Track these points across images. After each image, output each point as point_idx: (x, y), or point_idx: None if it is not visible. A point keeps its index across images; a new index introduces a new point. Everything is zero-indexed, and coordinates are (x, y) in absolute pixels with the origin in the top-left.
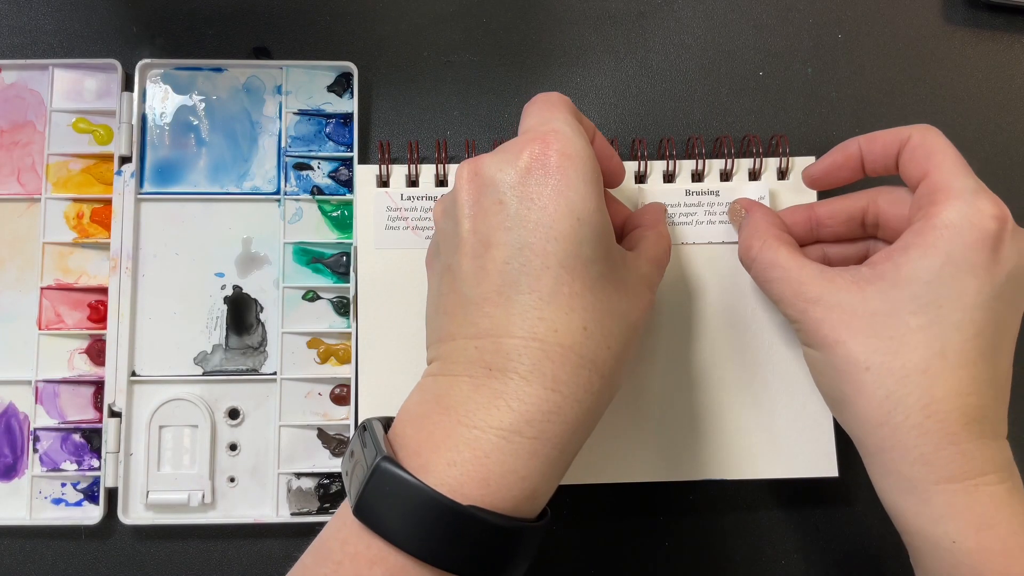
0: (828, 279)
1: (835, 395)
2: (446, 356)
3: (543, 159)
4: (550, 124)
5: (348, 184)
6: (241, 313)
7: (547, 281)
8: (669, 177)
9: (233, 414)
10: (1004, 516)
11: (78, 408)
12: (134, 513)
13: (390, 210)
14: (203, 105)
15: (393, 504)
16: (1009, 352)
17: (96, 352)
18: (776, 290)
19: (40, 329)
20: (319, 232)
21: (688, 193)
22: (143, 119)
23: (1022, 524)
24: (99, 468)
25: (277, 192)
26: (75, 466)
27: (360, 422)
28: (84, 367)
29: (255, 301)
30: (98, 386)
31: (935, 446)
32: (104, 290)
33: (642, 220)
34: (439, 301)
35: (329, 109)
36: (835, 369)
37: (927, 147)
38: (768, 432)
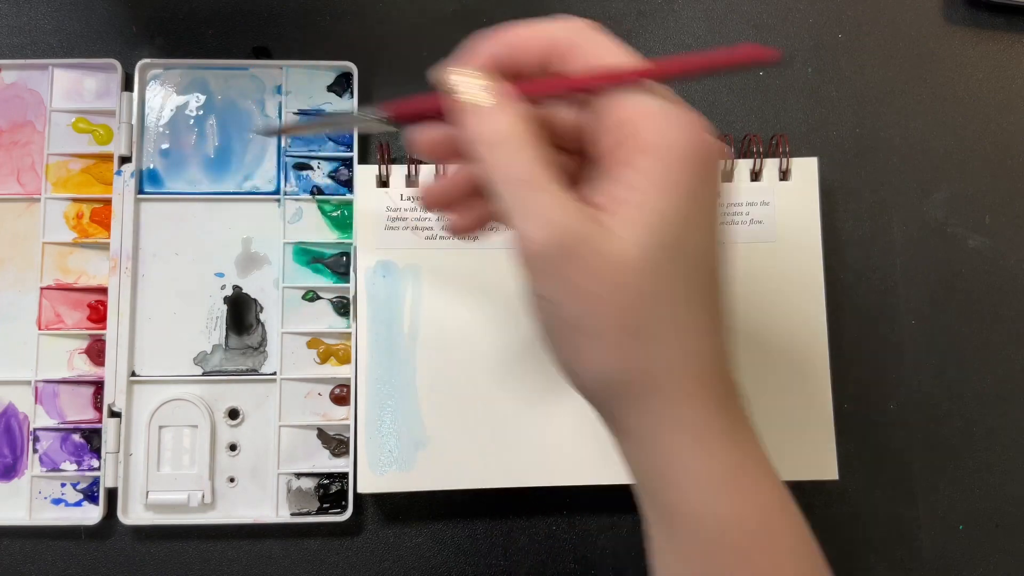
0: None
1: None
2: None
3: None
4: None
5: (348, 184)
6: (241, 313)
7: None
8: None
9: (233, 414)
10: None
11: (78, 408)
12: (134, 513)
13: (390, 210)
14: (203, 105)
15: None
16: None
17: (96, 352)
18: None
19: (40, 329)
20: (319, 232)
21: None
22: (143, 119)
23: None
24: (99, 468)
25: (277, 192)
26: (75, 466)
27: None
28: (84, 367)
29: (255, 301)
30: (98, 386)
31: None
32: (104, 290)
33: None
34: None
35: (329, 109)
36: None
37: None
38: (768, 435)
